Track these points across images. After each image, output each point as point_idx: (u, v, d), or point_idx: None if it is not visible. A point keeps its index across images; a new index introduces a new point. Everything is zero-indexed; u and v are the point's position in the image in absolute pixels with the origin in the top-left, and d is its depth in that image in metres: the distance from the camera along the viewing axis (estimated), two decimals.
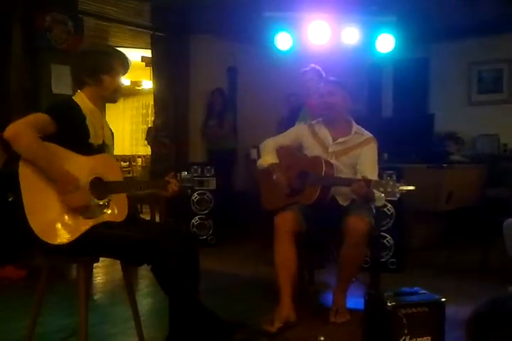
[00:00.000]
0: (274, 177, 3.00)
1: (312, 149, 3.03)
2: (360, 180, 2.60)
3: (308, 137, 3.07)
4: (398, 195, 2.52)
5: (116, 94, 2.30)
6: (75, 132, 2.14)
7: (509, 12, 5.52)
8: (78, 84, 2.27)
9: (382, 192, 2.53)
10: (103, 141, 2.28)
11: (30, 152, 1.99)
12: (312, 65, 4.06)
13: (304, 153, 3.06)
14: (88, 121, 2.19)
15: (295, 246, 2.75)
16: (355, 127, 3.04)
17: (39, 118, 2.05)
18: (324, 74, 4.01)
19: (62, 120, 2.08)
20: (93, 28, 6.14)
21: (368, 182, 2.54)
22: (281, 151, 3.11)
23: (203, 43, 6.23)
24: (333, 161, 2.93)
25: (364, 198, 2.75)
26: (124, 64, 2.28)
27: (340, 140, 3.00)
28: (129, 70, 2.32)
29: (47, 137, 2.05)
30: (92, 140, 2.20)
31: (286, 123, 4.26)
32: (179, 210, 5.14)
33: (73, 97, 2.27)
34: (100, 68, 2.22)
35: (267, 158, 3.10)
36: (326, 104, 3.01)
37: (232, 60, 6.47)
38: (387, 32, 5.03)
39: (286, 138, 3.18)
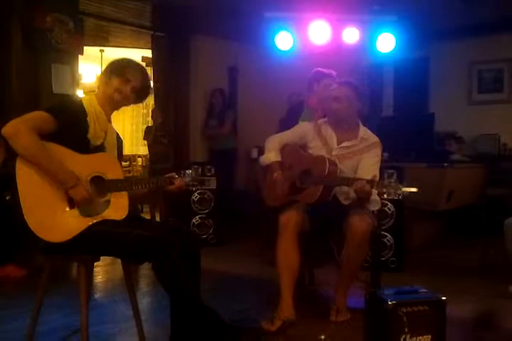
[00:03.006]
0: (274, 175, 2.99)
1: (316, 150, 2.99)
2: (362, 179, 2.57)
3: (314, 137, 3.02)
4: (400, 197, 2.51)
5: (117, 97, 2.29)
6: (74, 129, 2.14)
7: (509, 11, 5.52)
8: (99, 85, 2.36)
9: (384, 193, 2.50)
10: (102, 144, 2.29)
11: (28, 150, 1.99)
12: (331, 71, 3.95)
13: (309, 152, 3.03)
14: (89, 119, 2.20)
15: (299, 246, 2.74)
16: (363, 131, 2.97)
17: (39, 116, 2.06)
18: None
19: (62, 118, 2.09)
20: (93, 28, 6.15)
21: (371, 182, 2.52)
22: (285, 149, 3.09)
23: (204, 43, 6.24)
24: (336, 162, 2.89)
25: (363, 199, 2.71)
26: (136, 75, 2.31)
27: (345, 144, 2.95)
28: (139, 84, 2.32)
29: (46, 135, 2.05)
30: (89, 137, 2.20)
31: (286, 122, 4.24)
32: (179, 210, 5.14)
33: (82, 98, 2.31)
34: (114, 70, 2.29)
35: (270, 156, 3.09)
36: (329, 110, 2.97)
37: (232, 59, 6.48)
38: (387, 31, 5.04)
39: (291, 135, 3.14)
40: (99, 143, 2.26)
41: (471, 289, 3.39)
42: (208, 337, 2.16)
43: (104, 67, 2.39)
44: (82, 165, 2.13)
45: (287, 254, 2.74)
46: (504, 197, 4.55)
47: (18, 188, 1.99)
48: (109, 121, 2.36)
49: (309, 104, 4.03)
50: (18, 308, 2.92)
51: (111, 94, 2.28)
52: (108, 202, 2.18)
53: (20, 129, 1.98)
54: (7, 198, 2.06)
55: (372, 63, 6.55)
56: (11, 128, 1.98)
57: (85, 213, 2.10)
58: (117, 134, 2.45)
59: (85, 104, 2.23)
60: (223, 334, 2.22)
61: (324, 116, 3.92)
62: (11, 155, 2.05)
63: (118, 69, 2.29)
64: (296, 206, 2.82)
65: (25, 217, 1.97)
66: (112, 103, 2.32)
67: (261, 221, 4.38)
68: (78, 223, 2.07)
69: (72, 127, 2.13)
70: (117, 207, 2.20)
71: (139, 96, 2.36)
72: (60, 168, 2.05)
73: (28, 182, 2.01)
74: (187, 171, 2.45)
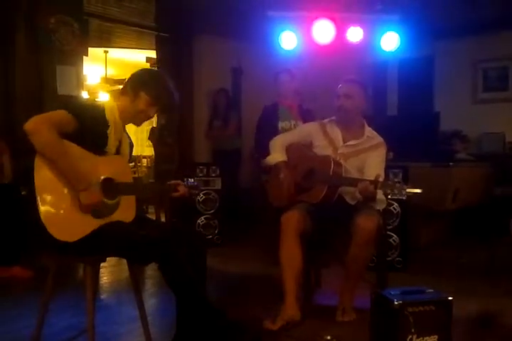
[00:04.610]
0: (281, 176, 3.00)
1: (322, 149, 3.00)
2: (367, 181, 2.58)
3: (319, 136, 3.03)
4: (405, 197, 2.51)
5: (141, 117, 2.32)
6: (93, 137, 2.16)
7: None
8: (122, 91, 2.33)
9: (389, 194, 2.51)
10: (117, 152, 2.32)
11: (46, 147, 2.00)
12: (285, 68, 4.23)
13: (314, 152, 3.04)
14: (110, 131, 2.22)
15: (300, 246, 2.75)
16: (368, 131, 3.01)
17: (61, 115, 2.07)
18: (295, 75, 4.21)
19: (83, 122, 2.10)
20: (98, 29, 6.16)
21: (375, 183, 2.53)
22: (290, 149, 3.10)
23: (207, 43, 6.25)
24: (341, 162, 2.91)
25: (368, 199, 2.73)
26: (163, 97, 2.29)
27: (350, 142, 2.97)
28: (165, 105, 2.33)
29: (64, 135, 2.06)
30: (107, 149, 2.23)
31: (260, 127, 4.30)
32: (185, 210, 5.14)
33: (105, 105, 2.28)
34: (146, 88, 2.26)
35: (276, 156, 3.10)
36: (339, 107, 2.96)
37: (236, 59, 6.48)
38: (391, 30, 5.03)
39: (296, 135, 3.17)
40: (113, 152, 2.28)
41: (477, 289, 3.38)
42: (213, 336, 2.16)
43: (130, 77, 2.32)
44: (95, 167, 2.15)
45: (289, 254, 2.74)
46: (510, 196, 4.52)
47: (35, 184, 2.00)
48: (124, 129, 2.37)
49: (281, 104, 4.15)
50: (24, 309, 2.94)
51: (135, 114, 2.30)
52: (117, 204, 2.21)
53: (42, 126, 1.99)
54: (23, 193, 2.06)
55: (376, 62, 6.53)
56: (33, 124, 1.99)
57: (96, 214, 2.12)
58: (130, 140, 2.46)
59: (107, 113, 2.23)
60: (228, 334, 2.21)
61: (299, 110, 4.12)
62: (22, 156, 2.06)
63: (146, 87, 2.26)
64: (298, 206, 2.83)
65: (39, 212, 1.98)
66: (137, 120, 2.34)
67: (265, 221, 4.38)
68: (89, 223, 2.09)
69: (91, 136, 2.15)
70: (126, 210, 2.24)
71: (162, 113, 2.42)
72: (74, 170, 2.06)
73: (44, 179, 2.02)
74: (189, 180, 2.47)
